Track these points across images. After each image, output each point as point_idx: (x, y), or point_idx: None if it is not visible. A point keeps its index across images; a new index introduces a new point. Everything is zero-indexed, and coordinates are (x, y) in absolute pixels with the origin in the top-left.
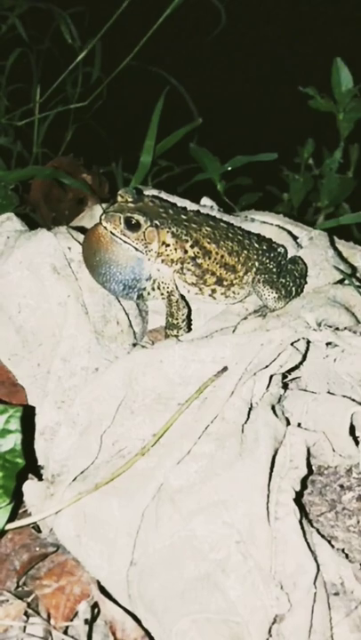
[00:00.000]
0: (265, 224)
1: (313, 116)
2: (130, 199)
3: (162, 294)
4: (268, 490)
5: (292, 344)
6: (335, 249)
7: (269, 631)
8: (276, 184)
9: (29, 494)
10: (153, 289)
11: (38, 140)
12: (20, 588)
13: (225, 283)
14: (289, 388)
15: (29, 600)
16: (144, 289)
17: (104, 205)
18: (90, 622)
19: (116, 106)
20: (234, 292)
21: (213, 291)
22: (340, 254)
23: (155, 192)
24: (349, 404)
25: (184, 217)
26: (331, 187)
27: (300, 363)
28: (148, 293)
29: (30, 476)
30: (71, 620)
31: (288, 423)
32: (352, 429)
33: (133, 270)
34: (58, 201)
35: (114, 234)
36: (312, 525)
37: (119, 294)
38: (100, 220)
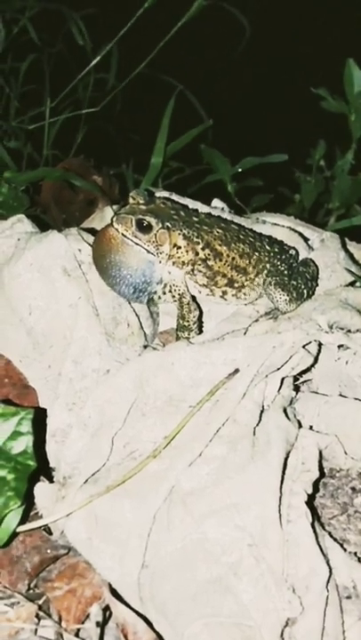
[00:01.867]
0: (276, 226)
1: (324, 118)
2: (141, 201)
3: (173, 297)
4: (280, 493)
5: (303, 346)
6: (347, 251)
7: (282, 634)
8: (288, 185)
9: (41, 496)
10: (164, 292)
11: (49, 141)
12: (31, 591)
13: (236, 285)
14: (301, 390)
15: (41, 602)
16: (155, 293)
17: (114, 207)
18: (101, 625)
19: (126, 107)
20: (245, 294)
21: (224, 292)
22: (351, 256)
23: (166, 194)
24: None
25: (195, 219)
26: (342, 188)
27: (312, 365)
28: (159, 297)
29: (42, 478)
30: (82, 623)
31: (300, 426)
32: None
33: (144, 273)
34: (68, 202)
35: (125, 236)
36: (324, 528)
37: (129, 297)
38: (112, 221)
